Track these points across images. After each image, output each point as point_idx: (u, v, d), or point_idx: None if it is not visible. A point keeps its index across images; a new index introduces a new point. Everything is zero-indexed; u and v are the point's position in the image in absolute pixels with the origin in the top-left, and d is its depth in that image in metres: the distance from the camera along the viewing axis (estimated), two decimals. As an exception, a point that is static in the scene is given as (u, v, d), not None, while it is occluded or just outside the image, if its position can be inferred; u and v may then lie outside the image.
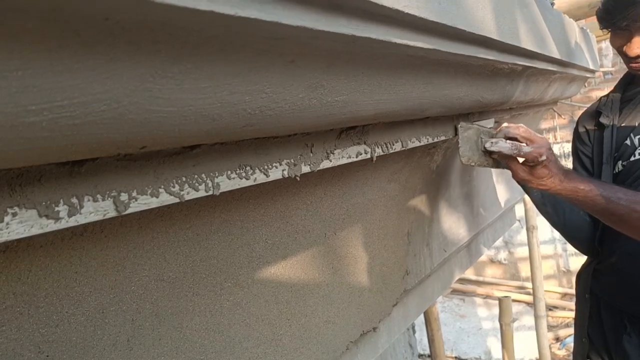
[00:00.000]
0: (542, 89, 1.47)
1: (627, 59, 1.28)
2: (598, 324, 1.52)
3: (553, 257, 6.35)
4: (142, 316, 0.57)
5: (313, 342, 0.89)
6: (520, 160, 1.03)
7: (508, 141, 1.01)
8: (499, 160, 1.05)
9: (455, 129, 1.07)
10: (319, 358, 0.91)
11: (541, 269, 3.32)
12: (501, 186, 1.96)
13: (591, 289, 1.54)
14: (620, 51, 1.28)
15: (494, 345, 5.66)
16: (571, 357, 2.11)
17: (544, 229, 5.96)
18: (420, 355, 5.21)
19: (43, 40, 0.27)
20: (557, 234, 6.26)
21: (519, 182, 1.15)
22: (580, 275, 1.61)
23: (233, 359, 0.72)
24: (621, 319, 1.43)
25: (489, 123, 1.34)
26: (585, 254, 1.59)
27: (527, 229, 3.23)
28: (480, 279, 6.54)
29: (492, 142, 1.01)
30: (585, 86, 2.46)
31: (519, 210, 3.90)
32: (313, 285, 0.88)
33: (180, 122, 0.38)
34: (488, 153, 1.05)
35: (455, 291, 6.48)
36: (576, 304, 1.63)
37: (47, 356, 0.47)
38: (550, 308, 5.84)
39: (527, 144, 1.00)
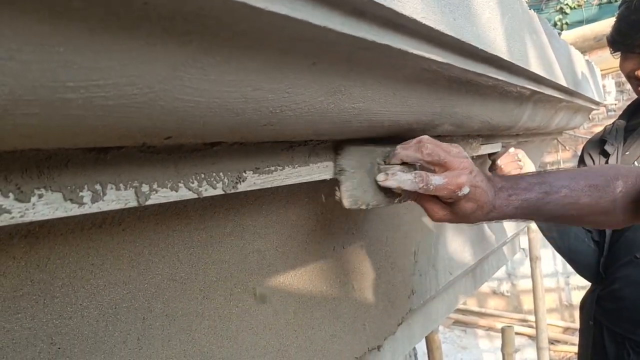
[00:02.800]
0: (549, 116, 1.48)
1: (638, 83, 1.29)
2: (601, 352, 1.51)
3: (555, 291, 6.29)
4: (153, 315, 0.57)
5: (319, 355, 0.88)
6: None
7: (411, 171, 0.70)
8: (404, 195, 0.75)
9: (335, 158, 0.71)
10: (324, 373, 0.90)
11: (544, 301, 3.29)
12: (506, 213, 1.96)
13: (595, 317, 1.53)
14: (631, 76, 1.30)
15: (496, 378, 5.58)
16: None
17: (547, 261, 5.94)
18: (419, 387, 5.11)
19: (85, 19, 0.28)
20: (559, 267, 6.23)
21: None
22: (584, 302, 1.60)
23: (239, 367, 0.71)
24: (624, 346, 1.42)
25: (496, 147, 1.35)
26: (589, 280, 1.59)
27: (531, 259, 3.22)
28: (483, 310, 6.47)
29: (386, 174, 0.70)
30: (589, 119, 2.49)
31: (523, 241, 3.89)
32: (320, 298, 0.88)
33: (206, 113, 0.39)
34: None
35: (457, 322, 6.40)
36: (580, 332, 1.62)
37: (59, 348, 0.48)
38: (552, 342, 5.75)
39: (437, 171, 0.69)
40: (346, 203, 0.71)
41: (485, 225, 1.72)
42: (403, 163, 0.71)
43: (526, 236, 3.36)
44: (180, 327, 0.61)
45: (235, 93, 0.39)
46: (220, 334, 0.68)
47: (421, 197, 0.73)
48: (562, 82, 1.27)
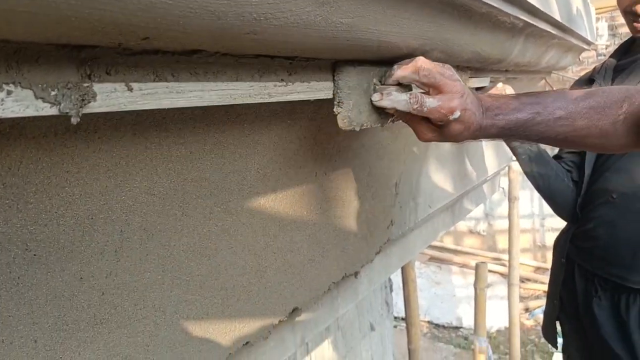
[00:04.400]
0: (540, 53, 1.46)
1: (634, 18, 1.27)
2: (571, 288, 1.57)
3: (530, 232, 6.47)
4: (130, 228, 0.56)
5: (297, 278, 0.90)
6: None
7: (406, 92, 0.71)
8: (397, 116, 0.77)
9: (333, 76, 0.70)
10: (301, 295, 0.92)
11: (518, 240, 3.39)
12: (490, 151, 1.97)
13: (567, 255, 1.58)
14: (627, 11, 1.27)
15: (466, 312, 5.82)
16: (539, 327, 2.17)
17: (525, 202, 6.07)
18: (395, 318, 5.32)
19: None
20: (536, 209, 6.38)
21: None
22: (559, 240, 1.64)
23: (217, 284, 0.72)
24: (593, 282, 1.47)
25: (484, 82, 1.34)
26: (565, 220, 1.62)
27: (509, 200, 3.28)
28: (459, 248, 6.66)
29: (382, 94, 0.71)
30: (579, 60, 2.46)
31: (503, 182, 3.95)
32: (300, 222, 0.89)
33: (186, 13, 0.37)
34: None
35: (432, 258, 6.59)
36: (551, 269, 1.68)
37: (35, 255, 0.47)
38: (523, 280, 5.98)
39: (431, 93, 0.70)
40: (341, 124, 0.70)
41: (467, 162, 1.73)
42: (398, 84, 0.73)
43: (506, 177, 3.41)
44: (158, 242, 0.61)
45: (217, -7, 0.37)
46: (198, 251, 0.68)
47: (412, 118, 0.74)
48: (557, 16, 1.24)
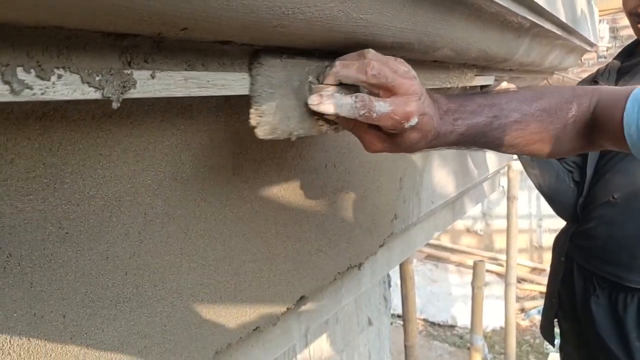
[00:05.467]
0: (544, 53, 1.49)
1: (639, 20, 1.29)
2: (569, 286, 1.60)
3: (527, 232, 6.51)
4: (154, 212, 0.59)
5: (304, 267, 0.92)
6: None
7: (352, 94, 0.57)
8: (340, 123, 0.63)
9: (250, 69, 0.55)
10: (309, 283, 0.94)
11: (516, 239, 3.42)
12: (491, 149, 2.00)
13: (567, 253, 1.61)
14: (632, 12, 1.30)
15: (462, 311, 5.86)
16: (534, 328, 2.21)
17: (523, 202, 6.10)
18: (392, 315, 5.35)
19: None
20: (534, 210, 6.42)
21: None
22: (558, 239, 1.67)
23: (230, 269, 0.75)
24: (591, 281, 1.50)
25: (489, 80, 1.36)
26: (565, 219, 1.65)
27: (508, 199, 3.31)
28: (455, 247, 6.70)
29: (320, 96, 0.57)
30: (580, 62, 2.49)
31: (502, 181, 3.98)
32: (309, 212, 0.91)
33: (224, 6, 0.39)
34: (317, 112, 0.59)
35: (429, 256, 6.63)
36: (551, 267, 1.71)
37: (67, 233, 0.50)
38: (519, 280, 6.02)
39: (382, 95, 0.58)
40: (260, 132, 0.55)
41: (470, 160, 1.76)
42: (341, 83, 0.60)
43: (506, 176, 3.44)
44: (178, 226, 0.63)
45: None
46: (215, 237, 0.70)
47: (358, 126, 0.62)
48: (562, 17, 1.26)
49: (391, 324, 5.53)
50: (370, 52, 0.58)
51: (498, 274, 6.12)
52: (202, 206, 0.66)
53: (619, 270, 1.43)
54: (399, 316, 4.31)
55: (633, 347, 1.41)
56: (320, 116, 0.60)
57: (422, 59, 0.89)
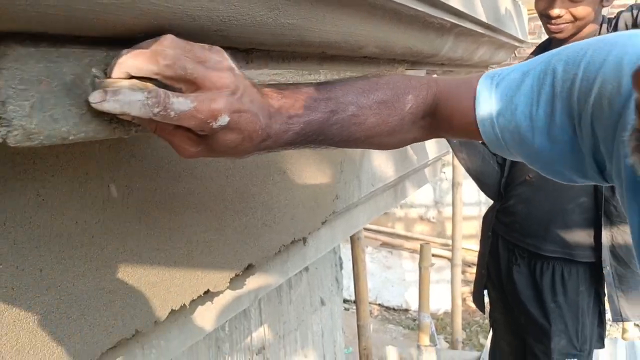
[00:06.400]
0: (471, 49, 1.65)
1: (547, 20, 1.47)
2: (496, 258, 1.78)
3: (477, 219, 6.80)
4: (115, 184, 0.70)
5: (252, 238, 1.04)
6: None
7: (144, 90, 0.48)
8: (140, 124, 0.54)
9: None
10: (255, 253, 1.06)
11: (461, 223, 3.63)
12: (430, 137, 2.16)
13: (493, 228, 1.79)
14: (543, 14, 1.47)
15: (415, 296, 6.10)
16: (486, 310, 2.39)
17: (471, 190, 6.37)
18: (345, 301, 5.53)
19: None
20: (482, 197, 6.72)
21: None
22: (487, 216, 1.86)
23: (184, 238, 0.86)
24: (514, 253, 1.69)
25: (420, 74, 1.51)
26: (492, 198, 1.84)
27: (453, 185, 3.51)
28: (409, 234, 6.94)
29: (104, 92, 0.47)
30: (515, 54, 2.69)
31: (449, 172, 4.20)
32: (255, 190, 1.03)
33: (170, 17, 0.51)
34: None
35: (384, 244, 6.85)
36: (480, 241, 1.89)
37: (43, 200, 0.60)
38: (469, 265, 6.30)
39: (184, 90, 0.50)
40: (10, 139, 0.45)
41: (409, 146, 1.91)
42: (133, 77, 0.49)
43: (451, 166, 3.65)
44: (137, 198, 0.75)
45: (194, 2, 0.51)
46: (169, 209, 0.82)
47: (163, 128, 0.53)
48: (482, 17, 1.42)
49: (347, 309, 5.71)
50: (169, 38, 0.49)
51: (450, 259, 6.38)
52: (157, 181, 0.77)
53: (536, 242, 1.61)
54: (354, 302, 4.49)
55: (548, 308, 1.60)
56: (112, 117, 0.51)
57: (352, 55, 1.02)
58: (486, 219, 1.85)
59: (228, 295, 1.08)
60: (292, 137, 0.62)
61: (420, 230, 7.04)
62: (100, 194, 0.68)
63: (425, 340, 3.29)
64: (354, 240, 3.11)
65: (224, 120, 0.51)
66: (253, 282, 1.16)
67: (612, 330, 4.83)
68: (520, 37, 2.08)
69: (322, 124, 0.64)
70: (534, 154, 0.70)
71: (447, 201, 6.82)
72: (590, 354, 1.79)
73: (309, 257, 1.40)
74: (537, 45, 1.73)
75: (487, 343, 2.29)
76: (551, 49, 0.71)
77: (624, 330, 3.80)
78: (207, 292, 0.95)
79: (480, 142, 1.62)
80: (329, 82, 0.69)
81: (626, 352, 2.95)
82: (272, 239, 1.12)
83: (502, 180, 1.72)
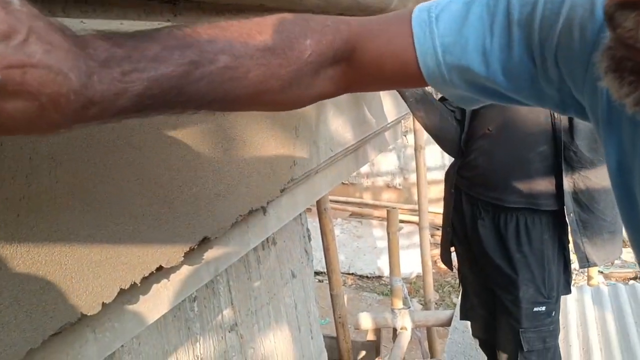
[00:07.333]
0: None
1: None
2: (460, 215, 1.78)
3: (442, 183, 6.90)
4: (39, 156, 0.64)
5: (204, 210, 0.99)
6: None
7: None
8: None
9: None
10: (210, 225, 1.02)
11: (426, 186, 3.64)
12: (388, 99, 2.13)
13: (455, 185, 1.78)
14: None
15: (387, 262, 6.20)
16: (455, 270, 2.42)
17: (435, 154, 6.43)
18: (319, 273, 5.54)
19: None
20: (447, 160, 6.79)
21: None
22: (448, 173, 1.85)
23: (127, 212, 0.81)
24: (477, 207, 1.69)
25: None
26: (453, 156, 1.83)
27: (415, 149, 3.51)
28: (377, 202, 6.98)
29: None
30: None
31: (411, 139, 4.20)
32: (203, 159, 0.98)
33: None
34: None
35: (353, 214, 6.88)
36: (444, 199, 1.89)
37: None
38: (438, 228, 6.38)
39: None
40: None
41: (366, 110, 1.88)
42: None
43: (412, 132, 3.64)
44: (66, 170, 0.69)
45: None
46: (106, 181, 0.76)
47: None
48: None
49: (321, 281, 5.72)
50: None
51: (418, 224, 6.46)
52: (88, 152, 0.71)
53: (498, 194, 1.61)
54: (325, 273, 4.50)
55: (515, 258, 1.60)
56: None
57: (293, 8, 0.97)
58: (448, 176, 1.85)
59: (185, 270, 1.03)
60: (133, 101, 0.43)
61: (387, 198, 7.09)
62: (21, 166, 0.62)
63: (398, 304, 3.32)
64: (321, 212, 3.09)
65: None
66: (211, 254, 1.11)
67: (578, 278, 4.98)
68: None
69: (178, 79, 0.47)
70: (488, 90, 0.64)
71: (412, 168, 6.85)
72: (557, 300, 1.83)
73: (270, 226, 1.36)
74: None
75: (458, 300, 2.32)
76: None
77: (589, 278, 3.91)
78: (160, 268, 0.90)
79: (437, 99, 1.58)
80: (190, 26, 0.51)
81: (592, 297, 3.03)
82: (227, 210, 1.08)
83: (462, 136, 1.70)
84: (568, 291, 1.85)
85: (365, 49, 0.63)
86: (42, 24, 0.36)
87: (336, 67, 0.63)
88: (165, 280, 0.97)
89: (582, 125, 1.59)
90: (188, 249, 0.96)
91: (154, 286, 0.94)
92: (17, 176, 0.61)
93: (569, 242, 1.81)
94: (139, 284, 0.86)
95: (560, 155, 1.63)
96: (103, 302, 0.76)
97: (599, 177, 1.63)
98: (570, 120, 1.59)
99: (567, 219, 1.72)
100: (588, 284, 3.66)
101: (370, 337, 3.62)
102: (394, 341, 3.34)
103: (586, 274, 4.04)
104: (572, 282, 1.90)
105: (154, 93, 0.45)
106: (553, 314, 1.77)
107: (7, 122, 0.36)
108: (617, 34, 0.40)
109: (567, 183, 1.65)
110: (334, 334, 3.31)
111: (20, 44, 0.34)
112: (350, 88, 0.68)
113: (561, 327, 2.01)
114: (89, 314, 0.74)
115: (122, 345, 0.91)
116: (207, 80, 0.49)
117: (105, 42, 0.42)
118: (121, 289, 0.81)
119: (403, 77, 0.65)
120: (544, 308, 1.73)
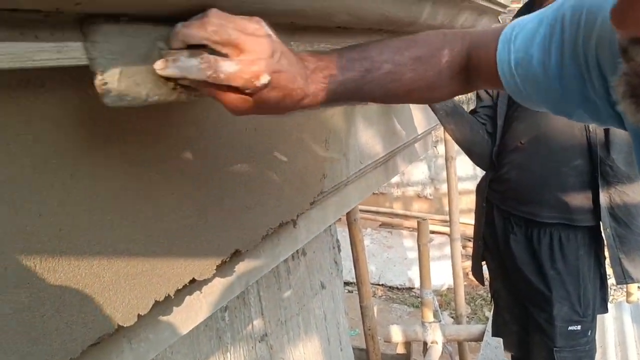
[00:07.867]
0: (452, 15, 1.60)
1: None
2: (492, 228, 1.75)
3: (474, 193, 6.81)
4: (80, 174, 0.66)
5: (236, 223, 1.01)
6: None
7: (196, 56, 0.57)
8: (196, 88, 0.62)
9: (84, 34, 0.54)
10: (241, 238, 1.03)
11: (457, 197, 3.61)
12: (418, 111, 2.12)
13: (487, 198, 1.76)
14: None
15: (418, 273, 6.14)
16: (487, 283, 2.39)
17: (466, 164, 6.36)
18: (349, 283, 5.53)
19: None
20: (478, 170, 6.71)
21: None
22: (480, 187, 1.83)
23: (162, 226, 0.83)
24: (510, 221, 1.66)
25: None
26: (484, 169, 1.81)
27: (446, 159, 3.48)
28: (408, 213, 6.93)
29: (166, 60, 0.58)
30: (499, 21, 2.64)
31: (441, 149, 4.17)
32: (234, 173, 1.00)
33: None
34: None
35: (383, 224, 6.84)
36: (475, 212, 1.86)
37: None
38: (470, 239, 6.29)
39: (229, 55, 0.58)
40: (107, 100, 0.56)
41: (395, 121, 1.88)
42: (190, 47, 0.58)
43: (443, 142, 3.61)
44: (103, 186, 0.71)
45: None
46: (143, 196, 0.78)
47: (216, 90, 0.60)
48: (460, -20, 1.38)
49: (351, 292, 5.70)
50: (213, 11, 0.58)
51: (449, 235, 6.38)
52: (124, 167, 0.74)
53: (531, 208, 1.59)
54: (355, 284, 4.48)
55: (548, 275, 1.57)
56: (175, 83, 0.61)
57: (325, 25, 0.98)
58: (480, 189, 1.82)
59: (217, 283, 1.05)
60: (329, 95, 0.69)
61: (418, 208, 7.03)
62: (60, 179, 0.64)
63: (429, 316, 3.28)
64: (350, 222, 3.09)
65: (265, 79, 0.59)
66: (243, 267, 1.13)
67: (616, 294, 4.83)
68: (503, 1, 2.03)
69: (357, 81, 0.70)
70: (554, 102, 0.74)
71: (443, 178, 6.79)
72: (594, 319, 1.77)
73: (300, 239, 1.37)
74: (522, 6, 1.69)
75: (491, 315, 2.28)
76: (535, 9, 0.75)
77: (628, 294, 3.79)
78: (192, 280, 0.92)
79: (468, 112, 1.58)
80: (365, 44, 0.75)
81: (631, 315, 2.94)
82: (258, 222, 1.09)
83: (493, 149, 1.69)
84: (605, 310, 1.80)
85: (475, 56, 0.79)
86: (285, 48, 0.62)
87: (462, 70, 0.80)
88: (197, 293, 0.99)
89: (619, 139, 1.55)
90: (220, 262, 0.98)
91: (187, 298, 0.96)
92: (54, 185, 0.64)
93: (605, 258, 1.76)
94: (173, 296, 0.88)
95: (597, 170, 1.59)
96: (138, 314, 0.79)
97: (636, 192, 1.59)
98: (607, 134, 1.56)
99: (603, 234, 1.68)
100: (627, 301, 3.55)
101: (400, 350, 3.58)
102: (424, 355, 3.30)
103: (625, 290, 3.91)
104: (610, 298, 1.85)
105: (342, 90, 0.69)
106: (589, 333, 1.72)
107: (267, 105, 0.62)
108: (630, 66, 0.45)
109: (604, 198, 1.62)
110: (364, 346, 3.29)
111: (278, 59, 0.60)
112: (472, 87, 0.85)
113: (598, 346, 1.94)
114: (125, 325, 0.76)
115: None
116: (376, 82, 0.72)
117: (312, 57, 0.68)
118: (156, 300, 0.83)
119: (493, 83, 0.79)
120: (579, 327, 1.69)
